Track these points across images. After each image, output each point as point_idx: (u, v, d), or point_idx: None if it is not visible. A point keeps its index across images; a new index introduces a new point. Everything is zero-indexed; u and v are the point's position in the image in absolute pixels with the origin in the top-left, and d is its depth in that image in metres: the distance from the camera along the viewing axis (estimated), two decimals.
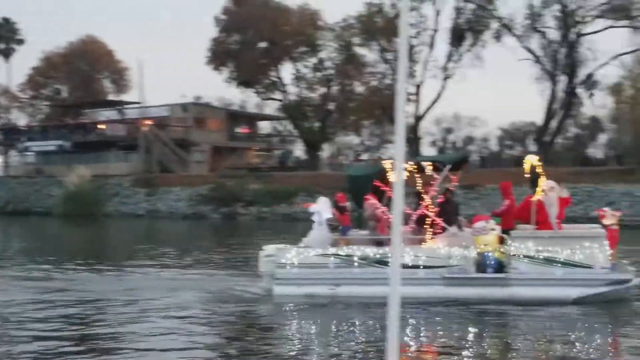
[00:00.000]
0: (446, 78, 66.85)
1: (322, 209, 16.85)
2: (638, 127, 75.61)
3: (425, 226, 16.58)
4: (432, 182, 17.15)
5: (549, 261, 15.36)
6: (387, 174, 16.98)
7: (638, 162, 57.41)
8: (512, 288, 15.43)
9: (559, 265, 15.34)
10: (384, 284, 15.19)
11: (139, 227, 49.76)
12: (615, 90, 74.51)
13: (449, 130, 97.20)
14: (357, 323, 14.18)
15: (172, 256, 27.08)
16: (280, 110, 77.46)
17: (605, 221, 15.99)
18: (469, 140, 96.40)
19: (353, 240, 16.93)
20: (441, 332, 13.58)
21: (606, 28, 61.98)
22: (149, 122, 68.27)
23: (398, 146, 1.44)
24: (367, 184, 17.24)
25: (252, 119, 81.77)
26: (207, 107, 78.71)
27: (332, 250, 16.40)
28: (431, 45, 66.34)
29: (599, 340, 12.97)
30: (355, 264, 16.14)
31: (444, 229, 16.55)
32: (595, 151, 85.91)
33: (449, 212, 16.94)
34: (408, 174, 17.22)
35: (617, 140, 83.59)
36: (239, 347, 12.38)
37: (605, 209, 16.56)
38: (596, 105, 74.58)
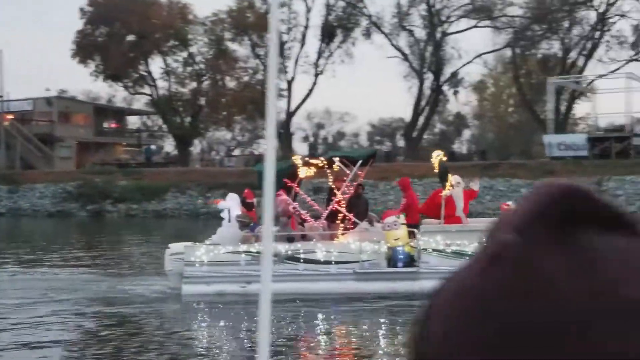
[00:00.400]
0: (317, 74, 67.56)
1: (231, 205, 16.56)
2: (500, 124, 79.37)
3: (336, 222, 16.62)
4: (344, 178, 17.21)
5: (458, 254, 15.73)
6: (297, 171, 16.90)
7: (500, 157, 60.10)
8: (423, 281, 15.68)
9: (467, 257, 15.64)
10: (296, 280, 15.20)
11: (1, 225, 47.41)
12: (479, 88, 77.77)
13: (320, 126, 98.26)
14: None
15: (43, 256, 25.33)
16: (149, 105, 75.73)
17: None
18: (340, 135, 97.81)
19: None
20: (351, 328, 13.67)
21: (470, 28, 64.51)
22: (10, 116, 65.61)
23: (269, 141, 1.35)
24: (278, 180, 17.06)
25: (120, 114, 79.79)
26: (73, 101, 76.26)
27: (243, 247, 16.16)
28: (302, 42, 66.93)
29: None
30: None
31: (355, 225, 16.62)
32: (460, 146, 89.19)
33: (360, 208, 17.05)
34: (316, 169, 17.24)
35: (480, 136, 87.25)
36: (149, 348, 12.04)
37: (509, 202, 17.12)
38: (461, 102, 77.45)
